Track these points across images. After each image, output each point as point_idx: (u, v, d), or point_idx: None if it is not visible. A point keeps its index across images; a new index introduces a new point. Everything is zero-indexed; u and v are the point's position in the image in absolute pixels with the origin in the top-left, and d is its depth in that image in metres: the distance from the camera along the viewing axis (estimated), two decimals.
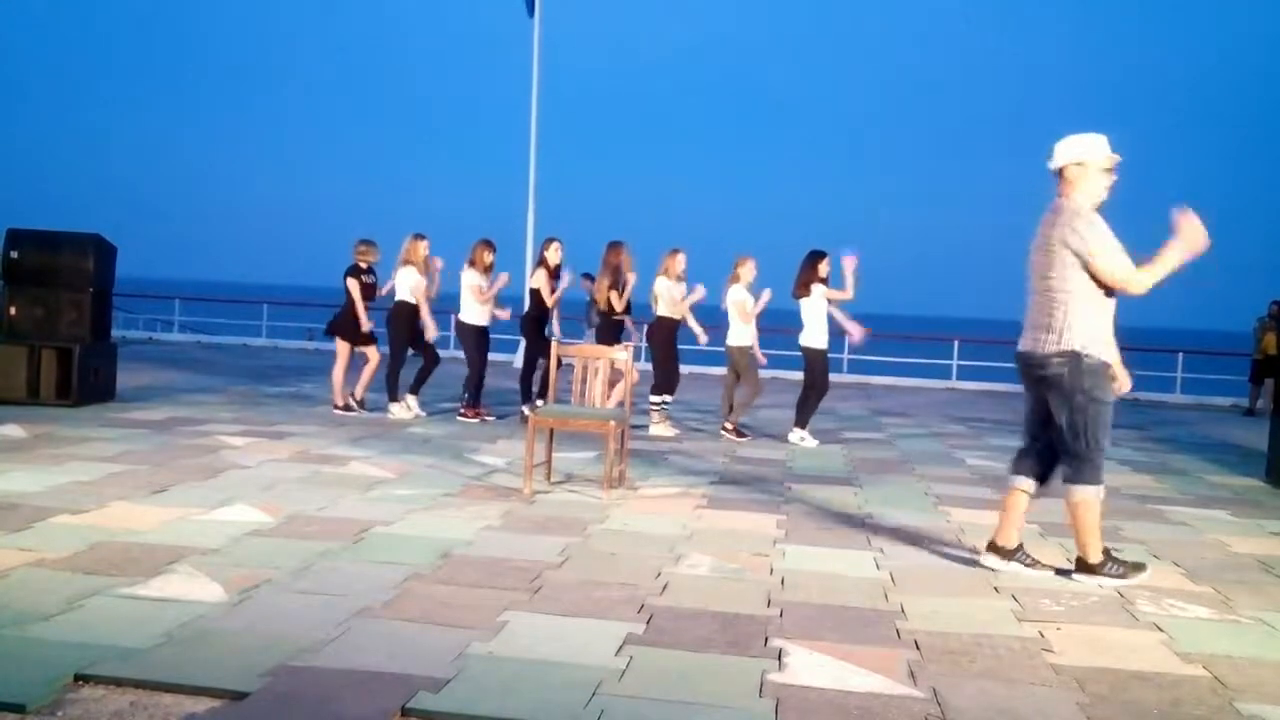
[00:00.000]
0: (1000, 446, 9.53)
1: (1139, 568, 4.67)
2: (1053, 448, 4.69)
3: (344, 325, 9.69)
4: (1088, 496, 4.59)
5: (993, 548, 4.81)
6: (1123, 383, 4.60)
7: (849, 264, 9.00)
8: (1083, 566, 4.67)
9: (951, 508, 6.35)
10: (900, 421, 11.34)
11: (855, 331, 9.49)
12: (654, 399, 9.28)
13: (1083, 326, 4.47)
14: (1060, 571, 4.75)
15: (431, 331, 9.68)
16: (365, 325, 9.62)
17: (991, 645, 3.72)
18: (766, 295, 9.25)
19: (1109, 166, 4.54)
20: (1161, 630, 4.00)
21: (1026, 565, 4.77)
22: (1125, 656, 3.65)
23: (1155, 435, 11.22)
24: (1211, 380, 16.33)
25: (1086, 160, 4.51)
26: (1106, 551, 4.68)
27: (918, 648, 3.65)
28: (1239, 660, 3.67)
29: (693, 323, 9.31)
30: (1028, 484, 4.78)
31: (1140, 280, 4.46)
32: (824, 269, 9.02)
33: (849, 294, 9.06)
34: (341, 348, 9.70)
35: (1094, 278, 4.45)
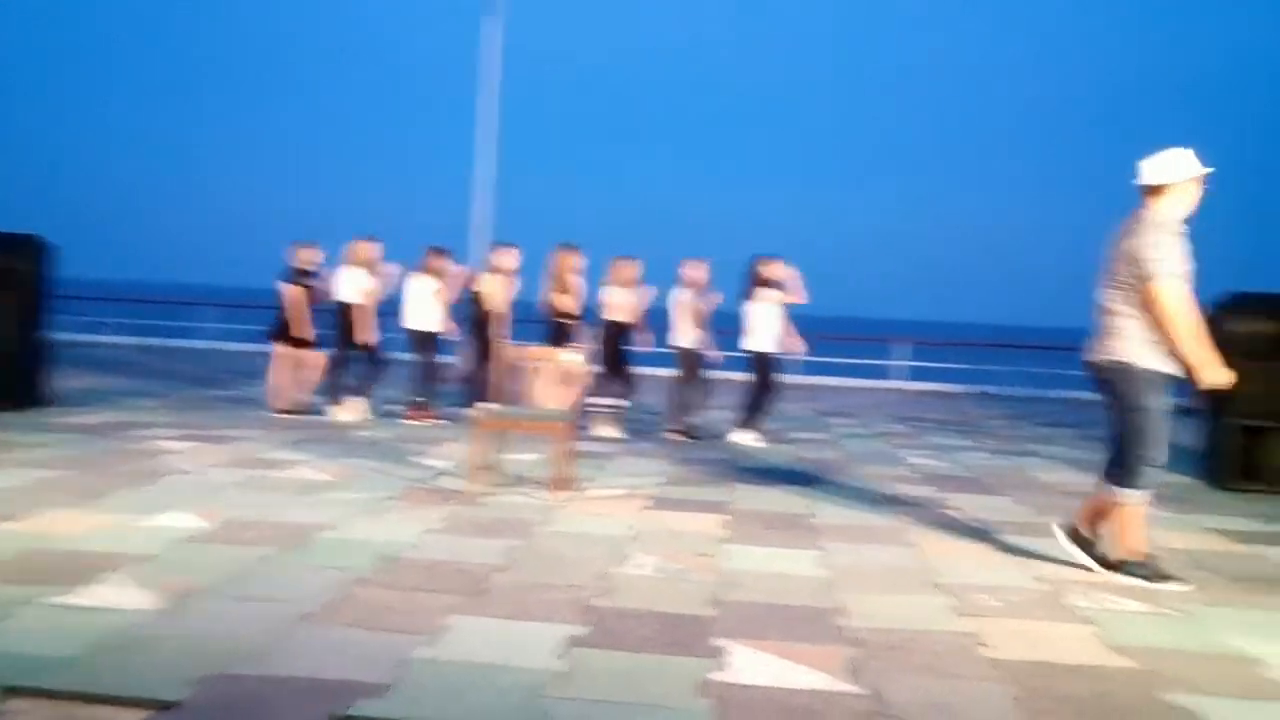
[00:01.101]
0: (941, 445, 9.68)
1: (1170, 577, 4.66)
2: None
3: (284, 329, 9.57)
4: (1128, 500, 4.65)
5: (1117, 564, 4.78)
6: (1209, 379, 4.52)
7: (791, 273, 9.10)
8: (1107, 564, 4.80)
9: (893, 506, 6.44)
10: (845, 422, 11.47)
11: (793, 343, 9.53)
12: (605, 401, 9.28)
13: (1138, 335, 4.54)
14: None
15: (372, 336, 9.58)
16: (306, 331, 9.49)
17: (930, 641, 3.78)
18: (715, 297, 9.30)
19: (1198, 179, 4.57)
20: (1094, 624, 4.09)
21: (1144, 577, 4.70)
22: (1058, 650, 3.74)
23: (1092, 434, 11.45)
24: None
25: (1171, 180, 4.54)
26: (1148, 555, 4.72)
27: (858, 645, 3.70)
28: (1166, 651, 3.77)
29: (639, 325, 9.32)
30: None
31: (1174, 309, 4.44)
32: (772, 273, 9.09)
33: (799, 298, 9.14)
34: (281, 352, 9.58)
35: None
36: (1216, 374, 4.52)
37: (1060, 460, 9.00)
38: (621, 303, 9.22)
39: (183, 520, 5.14)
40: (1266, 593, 4.70)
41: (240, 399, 10.70)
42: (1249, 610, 4.39)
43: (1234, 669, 3.61)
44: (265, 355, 10.14)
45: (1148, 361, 4.56)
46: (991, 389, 16.78)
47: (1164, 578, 4.67)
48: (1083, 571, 4.91)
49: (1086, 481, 7.80)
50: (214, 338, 19.45)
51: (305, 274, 9.60)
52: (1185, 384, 4.73)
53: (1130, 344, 4.57)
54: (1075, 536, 4.95)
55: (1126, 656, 3.70)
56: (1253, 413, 7.57)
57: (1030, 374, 17.80)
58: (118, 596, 3.85)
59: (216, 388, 11.81)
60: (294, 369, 9.62)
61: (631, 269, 9.32)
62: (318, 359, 9.60)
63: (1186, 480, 7.99)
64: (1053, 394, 16.63)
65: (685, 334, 9.27)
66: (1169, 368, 4.58)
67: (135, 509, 5.31)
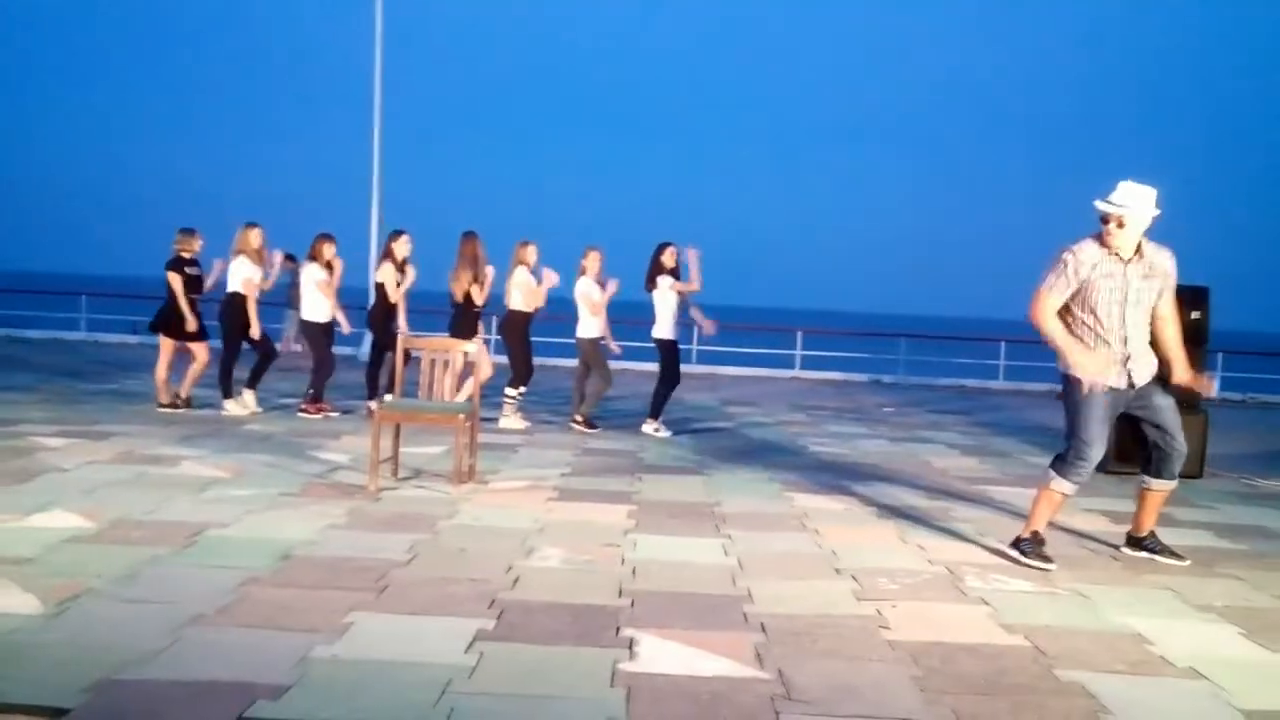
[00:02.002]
0: (840, 433, 9.89)
1: (1045, 560, 4.91)
2: (1144, 442, 5.08)
3: (168, 321, 9.20)
4: (1055, 486, 4.96)
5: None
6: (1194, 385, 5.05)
7: (693, 257, 9.14)
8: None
9: (795, 493, 6.55)
10: (747, 411, 11.61)
11: (706, 325, 9.63)
12: (509, 392, 9.20)
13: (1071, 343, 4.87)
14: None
15: (255, 329, 9.27)
16: (190, 321, 9.14)
17: (833, 625, 3.85)
18: (613, 286, 9.29)
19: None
20: (988, 604, 4.23)
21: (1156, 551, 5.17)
22: (955, 630, 3.85)
23: (980, 420, 11.86)
24: (1030, 367, 17.37)
25: (1134, 212, 4.72)
26: (1035, 535, 4.98)
27: (764, 630, 3.75)
28: (1057, 630, 3.92)
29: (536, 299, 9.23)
30: (1144, 480, 5.13)
31: (1039, 314, 4.85)
32: (669, 260, 9.12)
33: (696, 285, 9.18)
34: (165, 344, 9.21)
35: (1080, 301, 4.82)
36: (1073, 357, 4.83)
37: (953, 446, 9.28)
38: (524, 291, 9.13)
39: (63, 520, 4.90)
40: (1150, 571, 4.93)
41: (121, 393, 10.25)
42: (1133, 588, 4.60)
43: (1123, 646, 3.77)
44: (146, 347, 9.73)
45: (1065, 366, 4.90)
46: (885, 377, 17.23)
47: (1042, 558, 4.91)
48: (976, 553, 5.08)
49: (978, 466, 8.10)
50: (91, 329, 18.60)
51: (188, 262, 9.24)
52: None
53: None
54: (1136, 541, 5.25)
55: (1020, 635, 3.83)
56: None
57: (923, 363, 18.34)
58: None
59: (95, 381, 11.29)
60: (177, 362, 9.25)
61: (534, 253, 9.23)
62: (201, 351, 9.24)
63: None
64: (942, 382, 17.17)
65: (586, 323, 9.24)
66: (1077, 369, 4.86)
67: (11, 509, 5.04)
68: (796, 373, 17.57)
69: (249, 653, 3.28)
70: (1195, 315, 7.83)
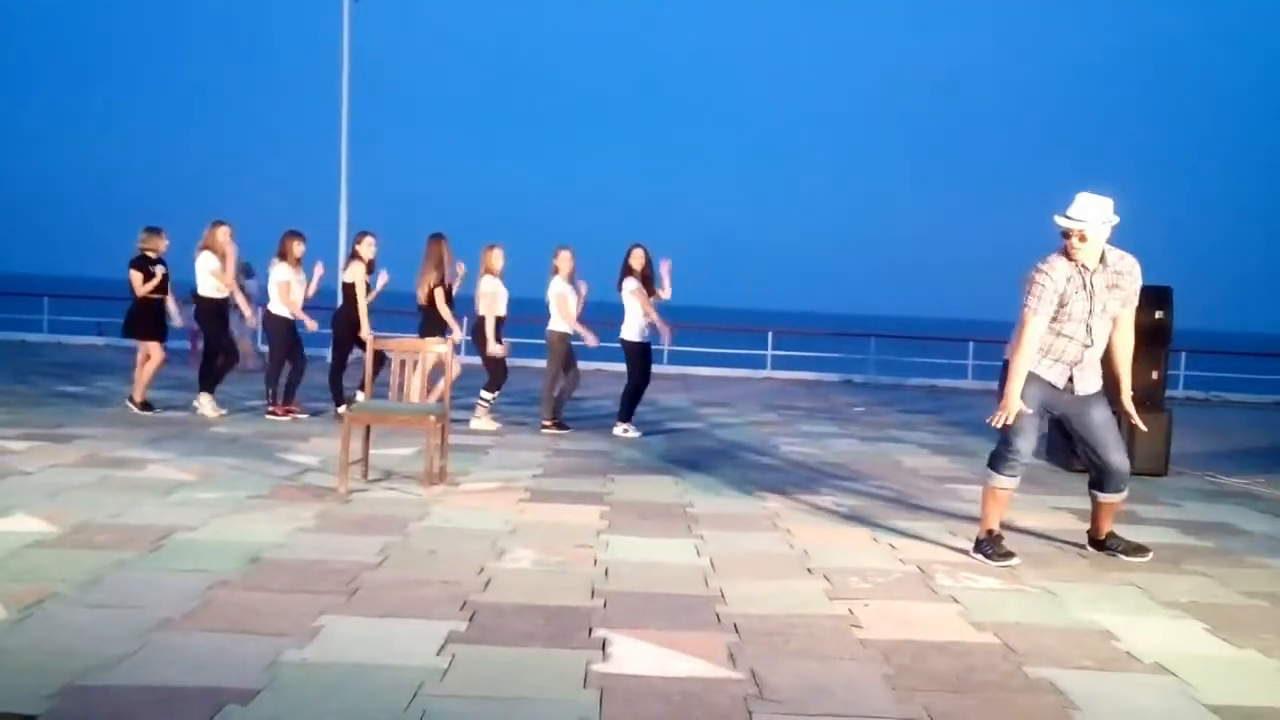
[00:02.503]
0: (810, 433, 9.93)
1: (1007, 555, 4.95)
2: (1084, 458, 5.17)
3: (137, 323, 9.10)
4: (992, 482, 5.06)
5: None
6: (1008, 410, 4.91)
7: (664, 268, 9.15)
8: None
9: (767, 494, 6.56)
10: (719, 411, 11.64)
11: (663, 331, 9.54)
12: (484, 394, 9.15)
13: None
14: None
15: (226, 326, 9.20)
16: (152, 321, 9.02)
17: (805, 624, 3.87)
18: (583, 287, 9.27)
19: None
20: (958, 602, 4.26)
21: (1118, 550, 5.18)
22: (925, 628, 3.88)
23: (950, 419, 11.96)
24: (999, 367, 17.51)
25: (1094, 225, 4.75)
26: (990, 534, 5.05)
27: (737, 631, 3.75)
28: (1026, 627, 3.96)
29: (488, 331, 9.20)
30: (1091, 491, 5.21)
31: (1025, 339, 4.85)
32: (637, 262, 9.10)
33: (665, 294, 9.17)
34: (138, 344, 9.10)
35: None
36: (1008, 409, 4.85)
37: (923, 446, 9.34)
38: (492, 293, 9.10)
39: (26, 524, 4.83)
40: (1115, 568, 4.98)
41: (86, 395, 10.11)
42: (1100, 585, 4.64)
43: (1090, 642, 3.81)
44: (113, 349, 9.60)
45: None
46: (856, 377, 17.33)
47: (1003, 555, 4.96)
48: (946, 552, 5.12)
49: (948, 465, 8.16)
50: (54, 330, 18.33)
51: (153, 261, 9.12)
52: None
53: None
54: (1097, 544, 5.28)
55: (990, 633, 3.86)
56: None
57: (893, 362, 18.47)
58: None
59: (59, 383, 11.12)
60: (142, 362, 9.14)
61: (499, 258, 9.19)
62: (158, 354, 9.11)
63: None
64: (912, 382, 17.29)
65: (557, 320, 9.21)
66: (1033, 370, 4.93)
67: None
68: (768, 373, 17.63)
69: (217, 657, 3.25)
70: (1159, 315, 7.93)
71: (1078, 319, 4.84)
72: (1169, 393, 9.79)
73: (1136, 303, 4.99)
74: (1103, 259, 4.83)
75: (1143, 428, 5.28)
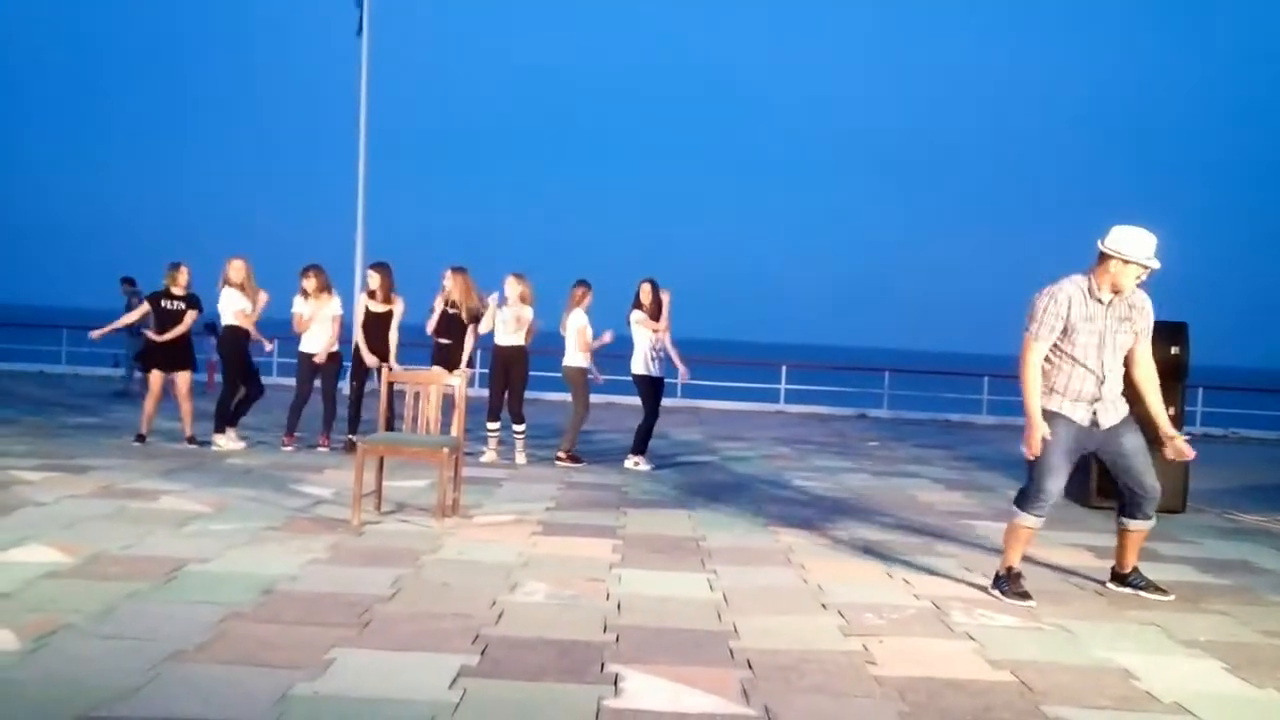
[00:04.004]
0: (824, 467, 9.89)
1: (1024, 595, 4.90)
2: (1118, 484, 5.10)
3: (149, 353, 9.17)
4: (1018, 520, 5.02)
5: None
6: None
7: (664, 299, 9.16)
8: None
9: (781, 528, 6.53)
10: (732, 445, 11.61)
11: (680, 368, 9.54)
12: (516, 428, 9.12)
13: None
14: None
15: (244, 359, 9.26)
16: (170, 353, 9.09)
17: (819, 660, 3.83)
18: (608, 336, 9.28)
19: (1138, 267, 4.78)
20: (974, 639, 4.22)
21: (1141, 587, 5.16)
22: (941, 665, 3.83)
23: (964, 454, 11.89)
24: (1013, 402, 17.46)
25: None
26: (1010, 570, 5.02)
27: (750, 666, 3.72)
28: (1043, 665, 3.91)
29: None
30: (1120, 520, 5.17)
31: (1025, 365, 4.86)
32: (645, 295, 9.11)
33: (659, 326, 9.08)
34: (152, 376, 9.15)
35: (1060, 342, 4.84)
36: (1032, 436, 4.82)
37: (937, 481, 9.29)
38: (509, 325, 9.12)
39: (41, 555, 4.84)
40: (1134, 606, 4.93)
41: (103, 426, 10.16)
42: (1118, 623, 4.59)
43: (1109, 681, 3.76)
44: (126, 379, 9.64)
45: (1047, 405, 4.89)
46: (870, 411, 17.26)
47: (1020, 594, 4.91)
48: (962, 588, 5.07)
49: (963, 500, 8.11)
50: (71, 362, 18.46)
51: (165, 295, 9.19)
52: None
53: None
54: (1120, 578, 5.25)
55: (1006, 671, 3.82)
56: None
57: (907, 397, 18.40)
58: None
59: (76, 414, 11.20)
60: (161, 394, 9.19)
61: (527, 289, 9.20)
62: (152, 381, 9.14)
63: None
64: (926, 416, 17.22)
65: (573, 356, 9.23)
66: (1059, 410, 4.89)
67: None
68: (781, 406, 17.59)
69: (229, 690, 3.24)
70: (1174, 351, 7.89)
71: (1088, 349, 4.81)
72: (1186, 429, 9.71)
73: (1150, 335, 4.97)
74: (1118, 292, 4.82)
75: (1189, 453, 5.06)
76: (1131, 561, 5.21)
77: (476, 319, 9.08)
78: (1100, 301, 4.80)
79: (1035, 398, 4.84)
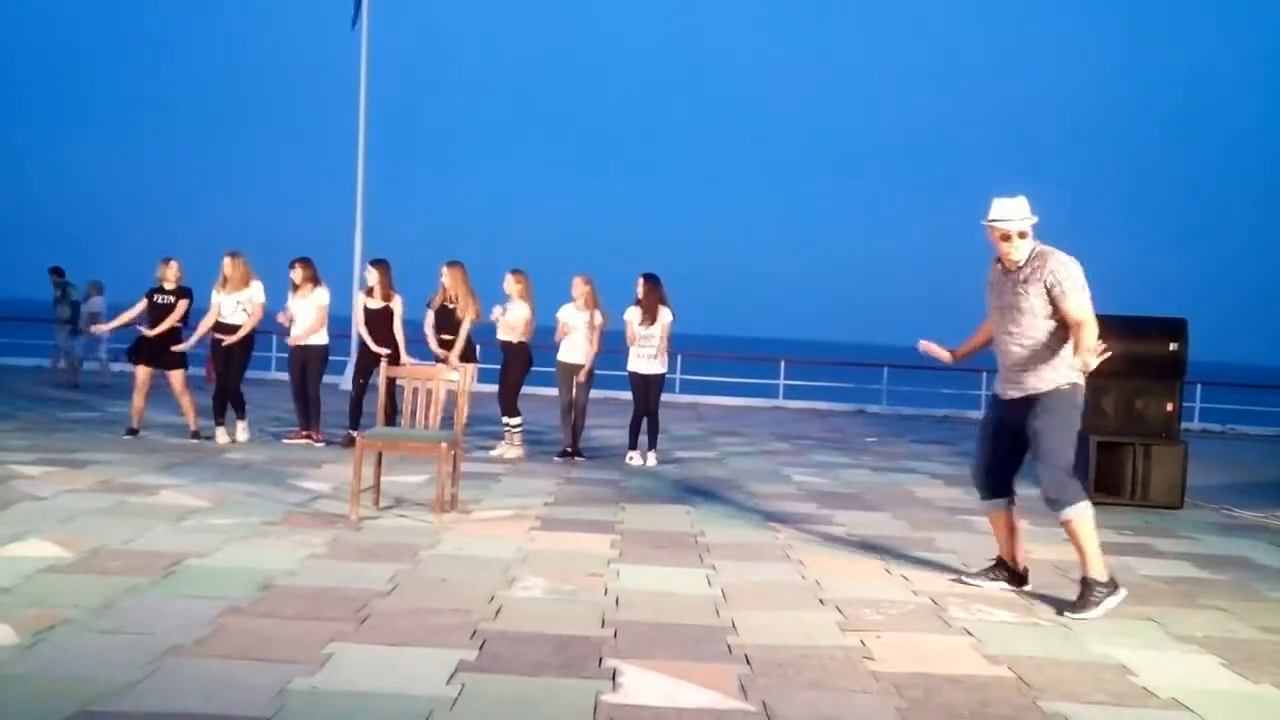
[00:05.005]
0: (823, 463, 9.89)
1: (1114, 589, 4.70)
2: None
3: (139, 347, 9.15)
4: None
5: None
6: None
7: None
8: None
9: (779, 524, 6.54)
10: (731, 440, 11.61)
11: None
12: (510, 422, 9.13)
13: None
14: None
15: (241, 354, 9.21)
16: (165, 348, 9.08)
17: (818, 656, 3.84)
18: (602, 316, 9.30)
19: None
20: (971, 634, 4.23)
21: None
22: (938, 661, 3.84)
23: (962, 449, 11.89)
24: None
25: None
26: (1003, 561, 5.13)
27: (748, 662, 3.73)
28: (1040, 660, 3.92)
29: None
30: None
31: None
32: (639, 290, 9.11)
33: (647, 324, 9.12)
34: (173, 376, 9.10)
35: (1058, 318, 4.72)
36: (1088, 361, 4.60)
37: (936, 476, 9.30)
38: (514, 321, 9.12)
39: (40, 549, 4.84)
40: (1132, 601, 4.92)
41: (102, 421, 10.16)
42: (1116, 619, 4.59)
43: (1107, 676, 3.77)
44: (130, 374, 9.62)
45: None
46: (868, 407, 17.27)
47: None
48: (958, 584, 5.08)
49: (961, 497, 8.11)
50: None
51: (157, 290, 9.17)
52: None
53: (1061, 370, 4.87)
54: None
55: (1003, 666, 3.83)
56: (1107, 429, 7.99)
57: (905, 392, 18.41)
58: None
59: (75, 409, 11.19)
60: (152, 389, 9.17)
61: (525, 283, 9.21)
62: (139, 375, 9.13)
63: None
64: (925, 411, 17.23)
65: (570, 349, 9.23)
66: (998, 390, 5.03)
67: None
68: (780, 402, 17.60)
69: (227, 684, 3.24)
70: (1173, 347, 7.91)
71: (995, 322, 4.91)
72: (1184, 425, 9.72)
73: (1068, 295, 4.64)
74: (1028, 259, 4.77)
75: (1091, 364, 4.54)
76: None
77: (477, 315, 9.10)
78: (1007, 273, 4.84)
79: (964, 346, 5.30)
